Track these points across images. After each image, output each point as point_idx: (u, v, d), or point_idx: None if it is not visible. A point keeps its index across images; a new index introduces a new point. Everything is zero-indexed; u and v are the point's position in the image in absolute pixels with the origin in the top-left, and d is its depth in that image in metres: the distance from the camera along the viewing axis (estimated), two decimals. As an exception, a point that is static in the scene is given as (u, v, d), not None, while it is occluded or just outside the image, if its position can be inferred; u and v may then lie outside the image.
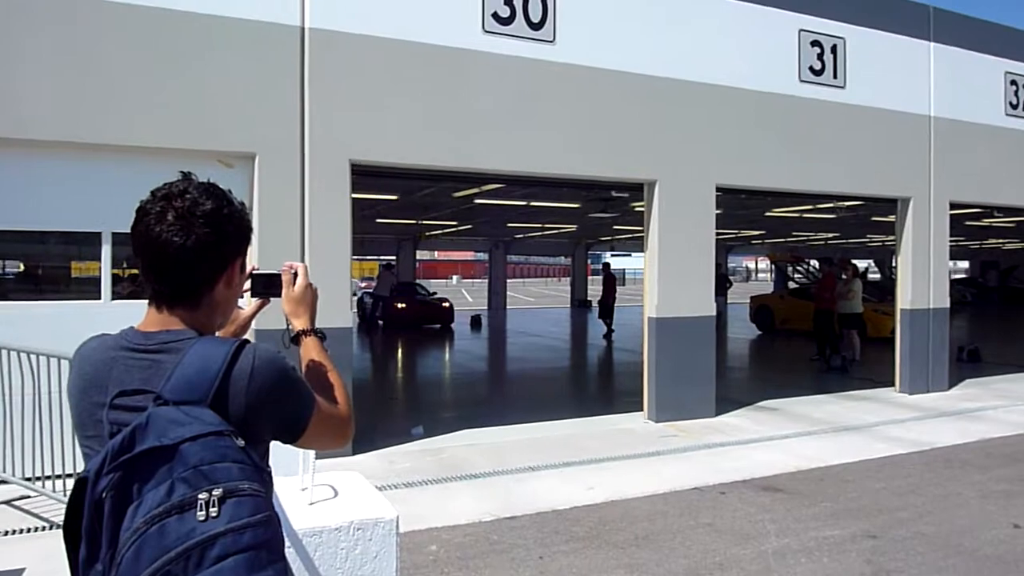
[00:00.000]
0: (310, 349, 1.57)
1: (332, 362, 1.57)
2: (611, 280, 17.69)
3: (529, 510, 4.89)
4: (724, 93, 7.85)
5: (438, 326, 19.74)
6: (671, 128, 7.61)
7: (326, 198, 6.10)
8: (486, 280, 32.40)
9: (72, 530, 1.16)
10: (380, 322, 19.66)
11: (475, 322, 20.74)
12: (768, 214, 16.84)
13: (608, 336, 16.89)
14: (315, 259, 5.90)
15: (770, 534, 4.53)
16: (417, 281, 27.02)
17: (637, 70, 7.41)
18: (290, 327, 1.62)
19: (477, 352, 15.41)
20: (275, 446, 1.39)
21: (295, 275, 1.63)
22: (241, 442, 1.20)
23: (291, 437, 1.37)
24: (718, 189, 7.90)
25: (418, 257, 30.38)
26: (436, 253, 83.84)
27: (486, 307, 27.91)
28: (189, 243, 1.29)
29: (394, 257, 27.58)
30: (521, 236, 25.89)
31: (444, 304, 20.03)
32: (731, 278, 22.72)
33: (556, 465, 5.98)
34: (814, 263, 18.73)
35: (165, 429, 1.17)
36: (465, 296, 42.32)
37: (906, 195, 9.28)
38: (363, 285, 35.36)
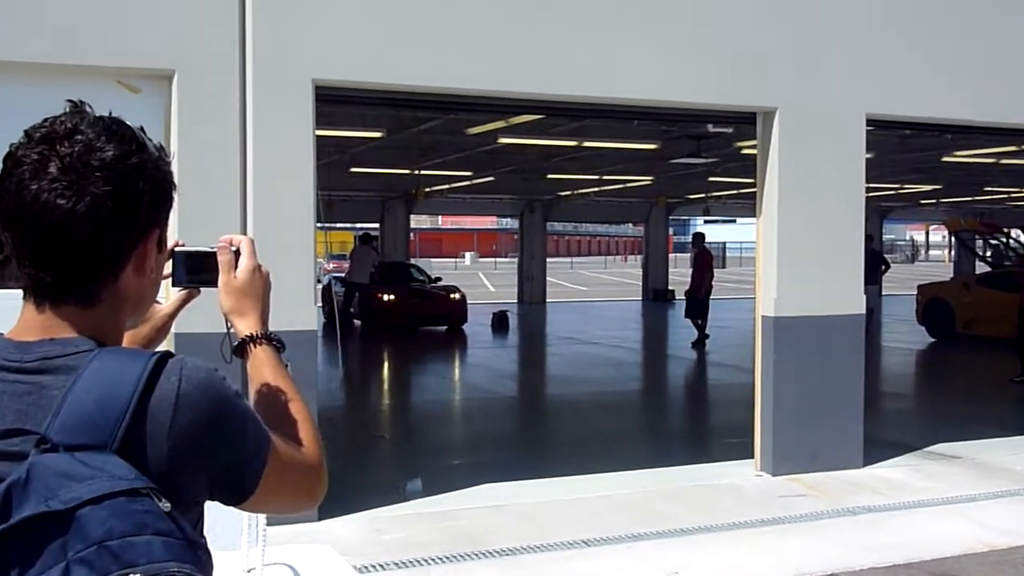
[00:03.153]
0: (262, 364, 1.58)
1: (295, 384, 1.58)
2: (705, 260, 17.61)
3: (582, 605, 4.93)
4: (881, -26, 7.74)
5: (444, 328, 19.93)
6: (799, 31, 7.52)
7: (278, 136, 6.14)
8: (515, 260, 32.29)
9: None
10: (356, 322, 19.84)
11: (499, 322, 20.83)
12: (947, 159, 16.62)
13: (700, 344, 16.86)
14: (263, 229, 5.95)
15: (948, 647, 4.49)
16: (412, 261, 27.17)
17: (747, -60, 7.33)
18: (231, 331, 1.64)
19: (502, 368, 15.47)
20: (211, 509, 1.41)
21: (237, 254, 1.65)
22: (166, 504, 1.21)
23: (236, 496, 1.38)
24: (869, 122, 7.80)
25: (413, 225, 30.49)
26: (440, 219, 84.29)
27: (515, 300, 28.05)
28: (81, 208, 1.29)
29: (376, 225, 27.74)
30: (568, 193, 25.94)
31: (452, 295, 20.16)
32: (888, 257, 22.41)
33: (622, 539, 5.99)
34: (1017, 234, 18.42)
35: (55, 487, 1.17)
36: (484, 283, 42.44)
37: None
38: (331, 267, 35.63)
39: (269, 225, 6.03)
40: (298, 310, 5.91)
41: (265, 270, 1.68)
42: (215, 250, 1.66)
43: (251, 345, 1.61)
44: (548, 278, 29.87)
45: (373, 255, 20.21)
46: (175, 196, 1.44)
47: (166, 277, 1.61)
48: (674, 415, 11.69)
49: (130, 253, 1.37)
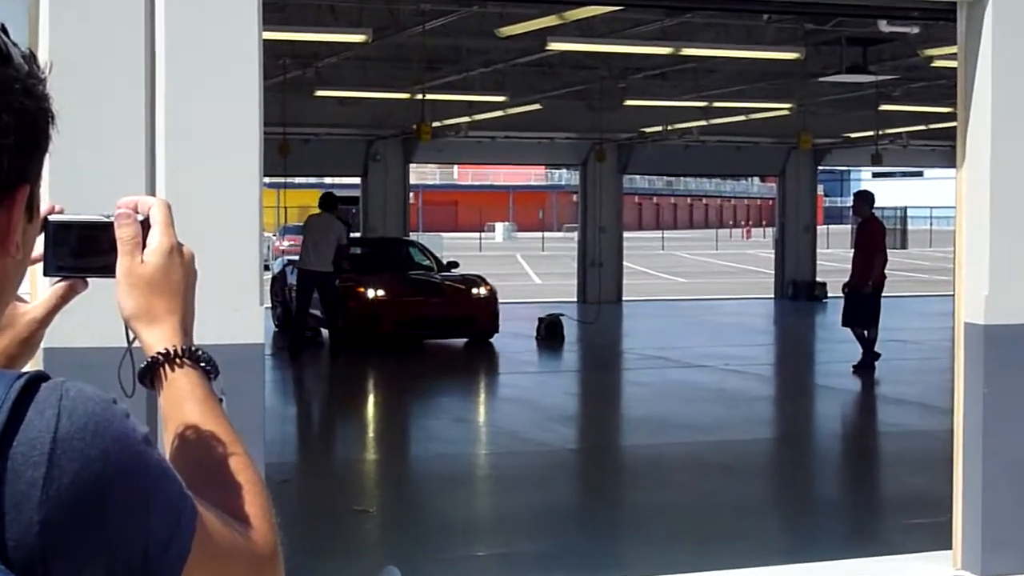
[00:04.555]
0: (183, 397, 1.60)
1: (234, 429, 1.60)
2: (874, 235, 17.45)
3: None
4: None
5: (462, 341, 20.05)
6: None
7: (203, 40, 6.16)
8: (573, 235, 31.84)
9: None
10: (323, 331, 19.85)
11: (548, 332, 20.78)
12: None
13: (866, 368, 16.74)
14: (182, 188, 5.98)
15: None
16: (412, 236, 26.93)
17: None
18: (133, 342, 1.66)
19: (553, 404, 15.40)
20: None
21: (145, 226, 1.66)
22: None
23: (143, 597, 1.39)
24: None
25: (415, 180, 30.21)
26: (456, 171, 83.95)
27: (574, 297, 28.03)
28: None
29: (356, 180, 27.42)
30: (658, 130, 25.86)
31: (475, 291, 20.21)
32: None
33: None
34: None
35: None
36: (525, 271, 42.27)
37: None
38: (285, 246, 35.65)
39: (191, 181, 6.06)
40: (236, 313, 5.94)
41: (187, 251, 1.69)
42: (111, 220, 1.66)
43: (166, 367, 1.62)
44: (626, 263, 29.74)
45: (339, 228, 19.86)
46: (52, 135, 1.45)
47: (36, 261, 1.62)
48: (826, 480, 11.60)
49: (-17, 223, 1.39)
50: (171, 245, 1.66)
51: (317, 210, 19.99)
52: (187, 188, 5.99)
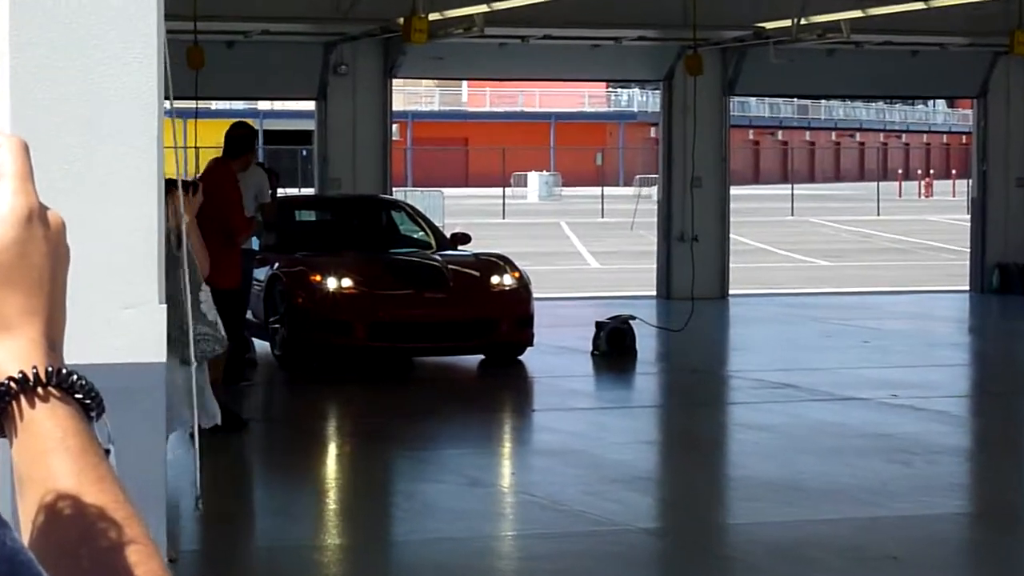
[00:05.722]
0: (49, 449, 1.61)
1: (128, 501, 1.60)
2: None
3: None
4: None
5: (477, 358, 20.34)
6: None
7: None
8: (651, 191, 31.63)
9: None
10: (257, 344, 19.94)
11: (613, 343, 20.79)
12: None
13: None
14: (40, 122, 6.02)
15: None
16: (395, 195, 26.97)
17: None
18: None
19: (617, 459, 15.44)
20: None
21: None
22: None
23: None
24: None
25: (400, 107, 29.90)
26: (466, 90, 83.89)
27: (652, 288, 28.49)
28: None
29: (310, 105, 27.46)
30: (786, 25, 25.64)
31: (497, 280, 20.48)
32: None
33: None
34: None
35: None
36: (575, 249, 42.32)
37: None
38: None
39: (54, 109, 6.11)
40: (125, 314, 5.97)
41: (55, 219, 1.70)
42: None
43: (22, 401, 1.63)
44: (734, 236, 29.82)
45: (258, 180, 19.17)
46: None
47: None
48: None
49: None
50: (29, 209, 1.65)
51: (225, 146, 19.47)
52: (48, 120, 6.03)
